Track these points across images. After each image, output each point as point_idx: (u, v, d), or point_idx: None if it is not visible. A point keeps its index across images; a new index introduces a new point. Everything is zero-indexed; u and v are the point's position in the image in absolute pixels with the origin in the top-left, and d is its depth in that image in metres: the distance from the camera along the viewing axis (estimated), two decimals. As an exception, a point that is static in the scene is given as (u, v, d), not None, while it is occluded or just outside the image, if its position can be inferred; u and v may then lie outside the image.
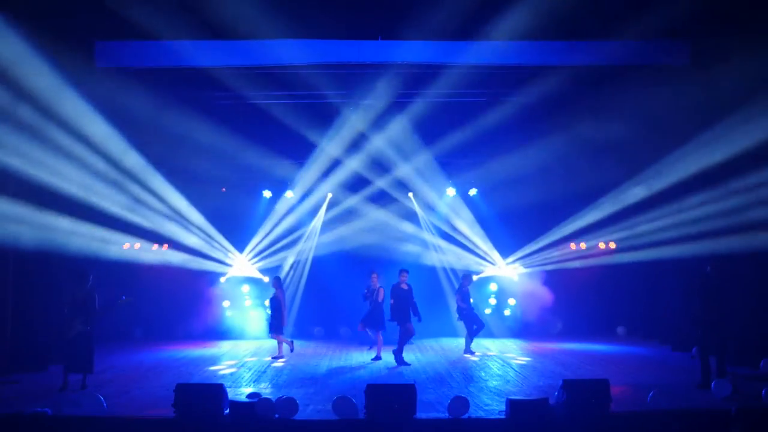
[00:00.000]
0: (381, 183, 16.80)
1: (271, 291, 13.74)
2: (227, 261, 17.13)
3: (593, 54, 12.41)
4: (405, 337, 12.55)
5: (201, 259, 16.67)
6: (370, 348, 13.01)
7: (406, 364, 12.27)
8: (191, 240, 16.29)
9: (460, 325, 14.52)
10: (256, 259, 17.31)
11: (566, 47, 12.39)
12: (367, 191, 16.97)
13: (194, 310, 16.83)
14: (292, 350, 13.44)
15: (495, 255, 17.50)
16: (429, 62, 12.75)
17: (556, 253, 16.99)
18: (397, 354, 12.43)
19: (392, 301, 12.66)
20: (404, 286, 12.73)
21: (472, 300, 14.24)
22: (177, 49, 11.95)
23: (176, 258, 16.28)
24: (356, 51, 12.49)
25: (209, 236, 16.64)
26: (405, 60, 12.62)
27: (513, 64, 12.77)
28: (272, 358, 13.10)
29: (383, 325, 12.86)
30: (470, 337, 13.89)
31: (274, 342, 13.74)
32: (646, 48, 12.38)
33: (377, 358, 12.85)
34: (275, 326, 13.28)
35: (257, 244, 17.24)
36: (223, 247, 16.99)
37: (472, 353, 13.65)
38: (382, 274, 13.31)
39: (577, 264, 17.01)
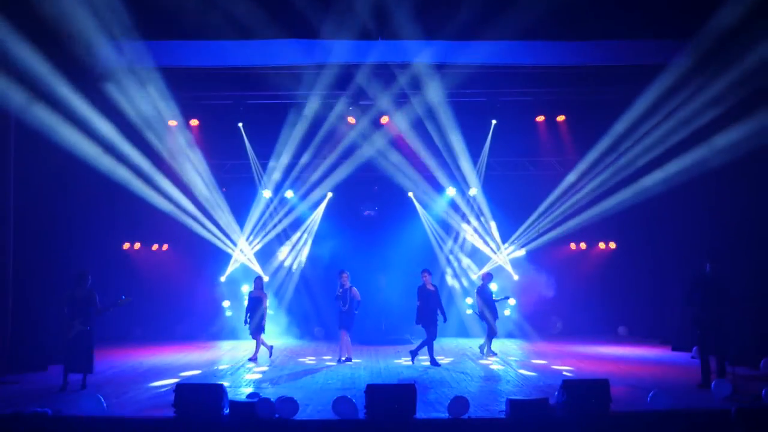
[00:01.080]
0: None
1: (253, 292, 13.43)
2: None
3: (593, 54, 12.43)
4: (431, 340, 12.39)
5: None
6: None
7: (438, 364, 12.17)
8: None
9: (461, 326, 14.46)
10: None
11: (566, 47, 12.39)
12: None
13: (194, 310, 16.85)
14: (270, 355, 13.05)
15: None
16: (429, 62, 12.77)
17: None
18: (428, 355, 12.33)
19: (419, 303, 12.43)
20: (430, 287, 12.50)
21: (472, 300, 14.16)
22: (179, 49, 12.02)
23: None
24: (356, 51, 12.49)
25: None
26: (405, 60, 12.65)
27: (511, 64, 12.78)
28: (260, 360, 12.93)
29: (352, 326, 12.73)
30: (490, 338, 13.65)
31: (273, 343, 13.69)
32: (645, 48, 12.40)
33: (348, 359, 12.61)
34: (256, 328, 12.99)
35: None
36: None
37: (494, 354, 13.42)
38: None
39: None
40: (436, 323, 12.38)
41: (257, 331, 13.04)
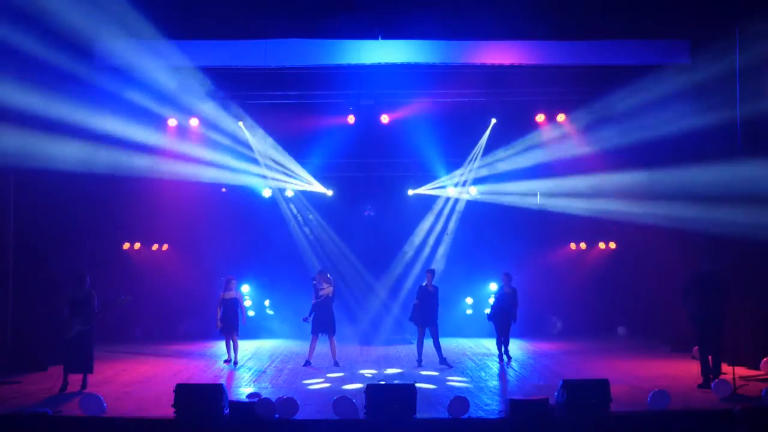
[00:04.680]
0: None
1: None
2: None
3: (593, 54, 12.43)
4: (437, 337, 12.30)
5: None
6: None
7: (450, 366, 12.02)
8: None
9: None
10: None
11: (566, 47, 12.39)
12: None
13: (194, 310, 16.81)
14: (232, 360, 12.41)
15: None
16: (429, 63, 12.75)
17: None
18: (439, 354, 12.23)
19: (416, 302, 12.36)
20: (431, 288, 12.39)
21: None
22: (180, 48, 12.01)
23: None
24: (356, 50, 12.49)
25: None
26: (405, 60, 12.63)
27: (512, 64, 12.76)
28: (225, 361, 12.55)
29: (334, 328, 12.28)
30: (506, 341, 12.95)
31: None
32: (646, 48, 12.40)
33: (335, 363, 12.08)
34: (229, 328, 12.50)
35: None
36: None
37: (510, 358, 12.81)
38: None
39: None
40: (432, 323, 12.24)
41: (231, 331, 12.48)
